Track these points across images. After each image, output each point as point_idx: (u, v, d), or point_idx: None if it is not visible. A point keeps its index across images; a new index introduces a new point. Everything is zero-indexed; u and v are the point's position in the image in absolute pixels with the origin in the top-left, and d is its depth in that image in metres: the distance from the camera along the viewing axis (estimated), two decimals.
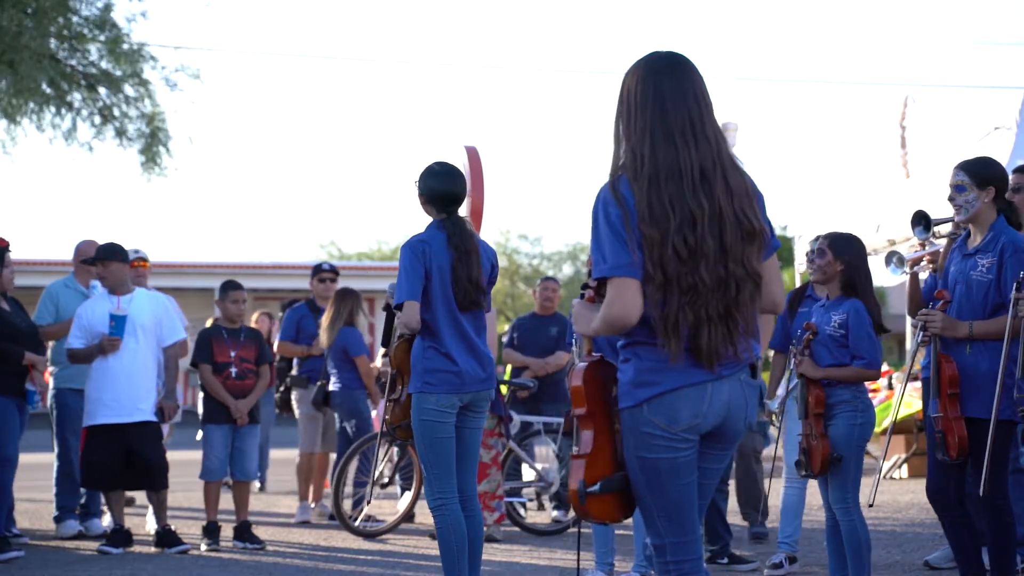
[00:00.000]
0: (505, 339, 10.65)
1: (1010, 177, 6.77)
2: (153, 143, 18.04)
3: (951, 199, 5.74)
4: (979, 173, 5.70)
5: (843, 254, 5.93)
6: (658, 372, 3.53)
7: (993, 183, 5.71)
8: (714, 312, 3.53)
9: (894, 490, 11.73)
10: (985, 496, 5.53)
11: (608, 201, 3.55)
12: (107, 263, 8.51)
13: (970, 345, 5.62)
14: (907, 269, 6.72)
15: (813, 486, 6.87)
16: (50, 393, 9.33)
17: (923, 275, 6.82)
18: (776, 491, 6.73)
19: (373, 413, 10.24)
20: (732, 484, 8.63)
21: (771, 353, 7.47)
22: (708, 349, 3.53)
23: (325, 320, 10.01)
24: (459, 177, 5.95)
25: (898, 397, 6.82)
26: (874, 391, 13.68)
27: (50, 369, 9.28)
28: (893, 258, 6.59)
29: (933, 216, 6.32)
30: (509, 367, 10.71)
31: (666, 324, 3.52)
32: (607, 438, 3.64)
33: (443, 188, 5.91)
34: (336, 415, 10.13)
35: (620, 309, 3.48)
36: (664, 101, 3.59)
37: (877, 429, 12.97)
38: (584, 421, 3.64)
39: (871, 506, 5.88)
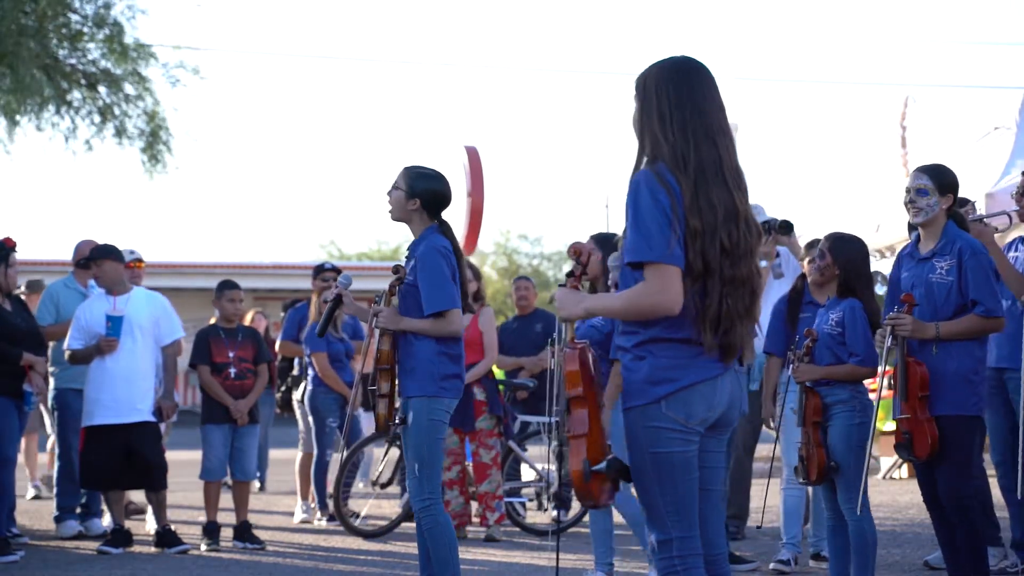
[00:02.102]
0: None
1: (1018, 178, 6.86)
2: (154, 141, 18.03)
3: (912, 201, 5.82)
4: (941, 179, 5.83)
5: (842, 256, 5.95)
6: (675, 368, 3.61)
7: (952, 191, 5.85)
8: (742, 307, 3.67)
9: (894, 490, 11.73)
10: (954, 496, 5.61)
11: (655, 187, 3.59)
12: (100, 262, 8.51)
13: (936, 346, 5.69)
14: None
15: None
16: (51, 393, 9.33)
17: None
18: (769, 492, 6.73)
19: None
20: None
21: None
22: (739, 344, 3.66)
23: (311, 319, 10.07)
24: (448, 181, 6.00)
25: (877, 399, 6.86)
26: (873, 391, 13.66)
27: (50, 369, 9.29)
28: (878, 277, 6.67)
29: (887, 273, 6.52)
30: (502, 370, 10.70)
31: (707, 315, 3.61)
32: (597, 418, 3.79)
33: (446, 193, 5.92)
34: None
35: (666, 299, 3.54)
36: (701, 102, 3.69)
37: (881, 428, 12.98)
38: (579, 402, 3.78)
39: (859, 514, 5.91)
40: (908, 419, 5.70)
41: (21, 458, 11.46)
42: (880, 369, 5.88)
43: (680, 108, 3.67)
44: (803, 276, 7.60)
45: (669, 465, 3.62)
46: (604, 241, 7.14)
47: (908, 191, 5.86)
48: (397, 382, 5.81)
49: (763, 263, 8.10)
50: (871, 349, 5.91)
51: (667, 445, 3.61)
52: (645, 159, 3.70)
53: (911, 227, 6.31)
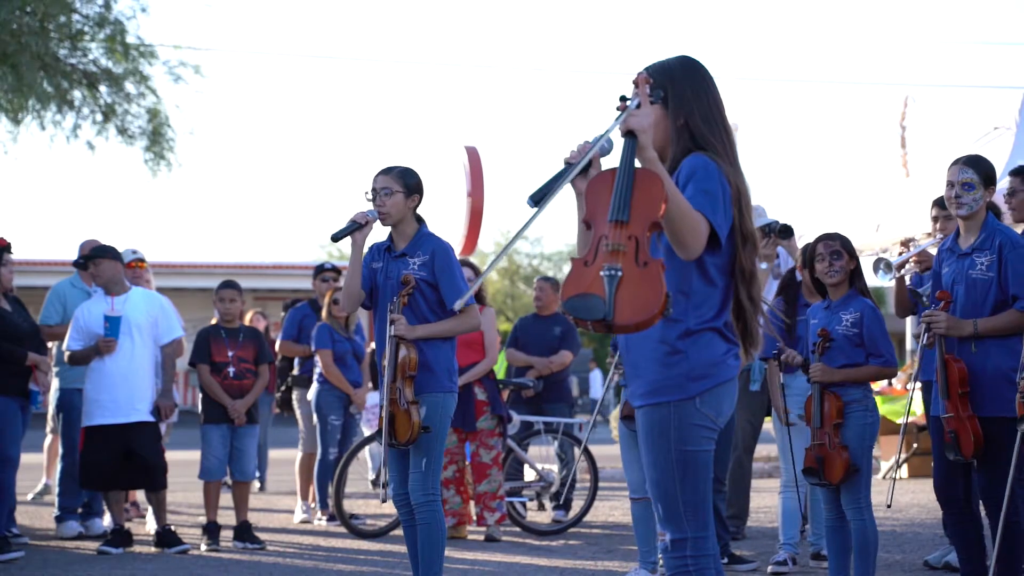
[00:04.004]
0: (508, 339, 10.63)
1: (1006, 180, 6.82)
2: (156, 140, 18.04)
3: (957, 196, 5.73)
4: (986, 172, 5.77)
5: (854, 255, 6.01)
6: (713, 365, 3.59)
7: (994, 182, 5.82)
8: (756, 303, 3.71)
9: (894, 490, 11.72)
10: (994, 497, 5.55)
11: (721, 175, 3.57)
12: (98, 262, 8.51)
13: (975, 344, 5.63)
14: (896, 274, 6.76)
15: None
16: (55, 394, 9.33)
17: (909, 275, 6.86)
18: (760, 492, 6.75)
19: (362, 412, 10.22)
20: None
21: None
22: (758, 341, 3.70)
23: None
24: None
25: (910, 398, 6.79)
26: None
27: (54, 369, 9.28)
28: (880, 264, 6.64)
29: (893, 260, 6.46)
30: (505, 366, 10.70)
31: (756, 314, 3.66)
32: None
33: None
34: None
35: (699, 244, 3.44)
36: (722, 99, 3.72)
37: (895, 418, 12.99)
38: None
39: (888, 507, 5.91)
40: (952, 418, 5.64)
41: (38, 457, 11.47)
42: (914, 367, 5.85)
43: (718, 106, 3.68)
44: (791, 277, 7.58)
45: (695, 464, 3.58)
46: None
47: (952, 185, 5.74)
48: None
49: (763, 266, 8.10)
50: (892, 349, 5.92)
51: (697, 443, 3.58)
52: (681, 156, 3.64)
53: (875, 269, 6.32)
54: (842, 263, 5.95)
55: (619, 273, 3.18)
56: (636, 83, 3.50)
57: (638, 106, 3.40)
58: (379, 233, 6.10)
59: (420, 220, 5.99)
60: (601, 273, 3.20)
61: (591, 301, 3.18)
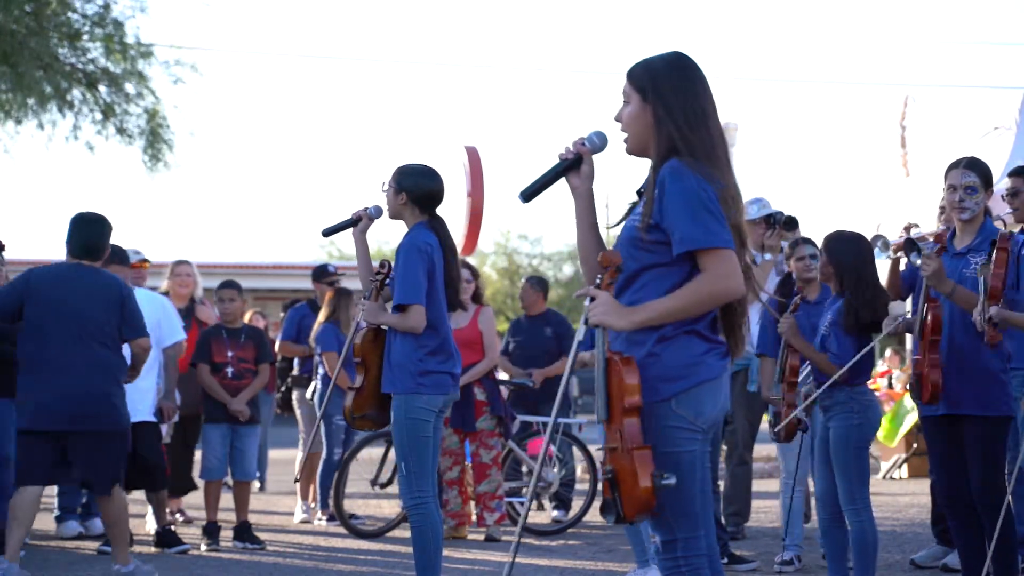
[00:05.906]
0: (501, 345, 10.55)
1: (1006, 181, 6.82)
2: (155, 139, 18.05)
3: (961, 200, 5.70)
4: (985, 175, 5.76)
5: (836, 255, 5.97)
6: (689, 366, 3.56)
7: (992, 185, 5.82)
8: (746, 301, 3.69)
9: (894, 490, 11.75)
10: (984, 495, 5.56)
11: (699, 178, 3.53)
12: (107, 265, 8.49)
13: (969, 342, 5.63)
14: (891, 254, 6.75)
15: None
16: None
17: (916, 261, 6.85)
18: (760, 492, 6.76)
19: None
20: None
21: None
22: (743, 339, 3.70)
23: (320, 319, 10.04)
24: (441, 177, 6.03)
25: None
26: (876, 390, 13.72)
27: None
28: (878, 242, 6.63)
29: (891, 239, 6.56)
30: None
31: (742, 310, 3.65)
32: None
33: (435, 188, 5.93)
34: None
35: (735, 282, 3.51)
36: (711, 98, 3.67)
37: (891, 443, 13.03)
38: (634, 412, 3.53)
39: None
40: (919, 360, 5.64)
41: None
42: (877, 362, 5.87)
43: (703, 105, 3.63)
44: (789, 274, 7.57)
45: (678, 465, 3.54)
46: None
47: (955, 189, 5.69)
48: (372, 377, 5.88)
49: (767, 256, 8.05)
50: (844, 351, 5.88)
51: (676, 445, 3.55)
52: (664, 155, 3.60)
53: (907, 251, 6.31)
54: (813, 263, 6.02)
55: (611, 475, 3.50)
56: (601, 263, 3.60)
57: (592, 299, 3.55)
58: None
59: (425, 218, 5.90)
60: (603, 478, 3.55)
61: (608, 509, 3.53)
